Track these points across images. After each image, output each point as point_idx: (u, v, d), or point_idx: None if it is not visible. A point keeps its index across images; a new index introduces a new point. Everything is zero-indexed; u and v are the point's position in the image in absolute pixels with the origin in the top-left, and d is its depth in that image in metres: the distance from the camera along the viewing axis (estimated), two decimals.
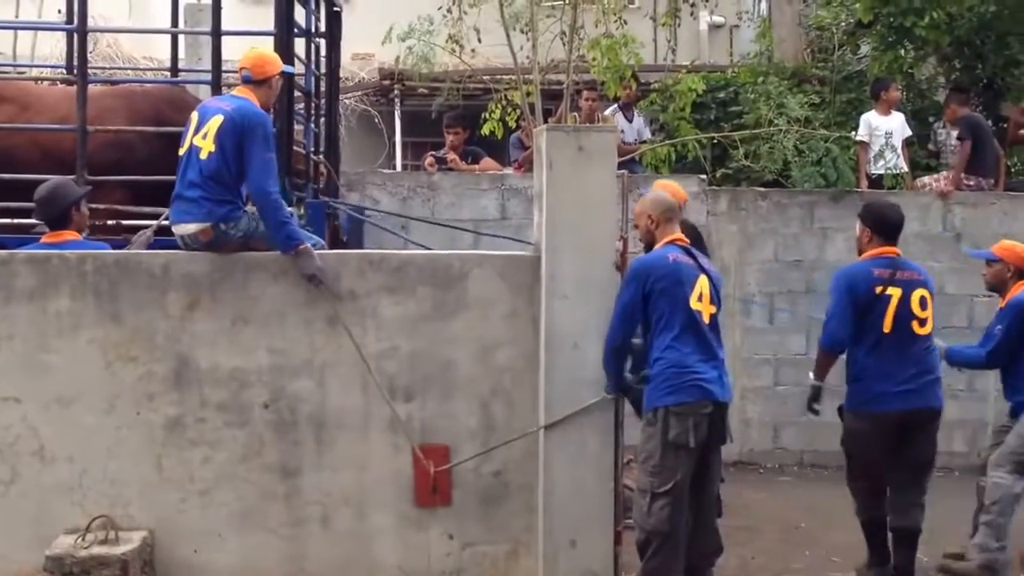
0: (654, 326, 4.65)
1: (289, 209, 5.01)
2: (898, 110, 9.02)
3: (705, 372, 4.61)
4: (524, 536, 4.96)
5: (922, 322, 5.26)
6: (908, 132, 8.93)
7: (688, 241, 4.88)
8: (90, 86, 6.06)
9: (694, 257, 4.76)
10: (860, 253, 5.46)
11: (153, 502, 4.86)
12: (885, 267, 5.28)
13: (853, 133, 8.93)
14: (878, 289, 5.21)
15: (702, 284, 4.68)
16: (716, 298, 4.76)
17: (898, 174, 8.77)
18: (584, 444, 4.82)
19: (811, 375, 5.46)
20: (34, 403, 4.82)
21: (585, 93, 9.19)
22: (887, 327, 5.20)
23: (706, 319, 4.68)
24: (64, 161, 5.77)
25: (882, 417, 5.20)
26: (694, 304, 4.64)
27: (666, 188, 6.19)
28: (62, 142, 5.89)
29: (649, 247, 4.86)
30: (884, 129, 8.79)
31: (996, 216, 8.47)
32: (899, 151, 8.79)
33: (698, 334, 4.64)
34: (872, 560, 5.47)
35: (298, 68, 5.95)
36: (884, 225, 5.39)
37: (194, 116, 4.94)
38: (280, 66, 5.07)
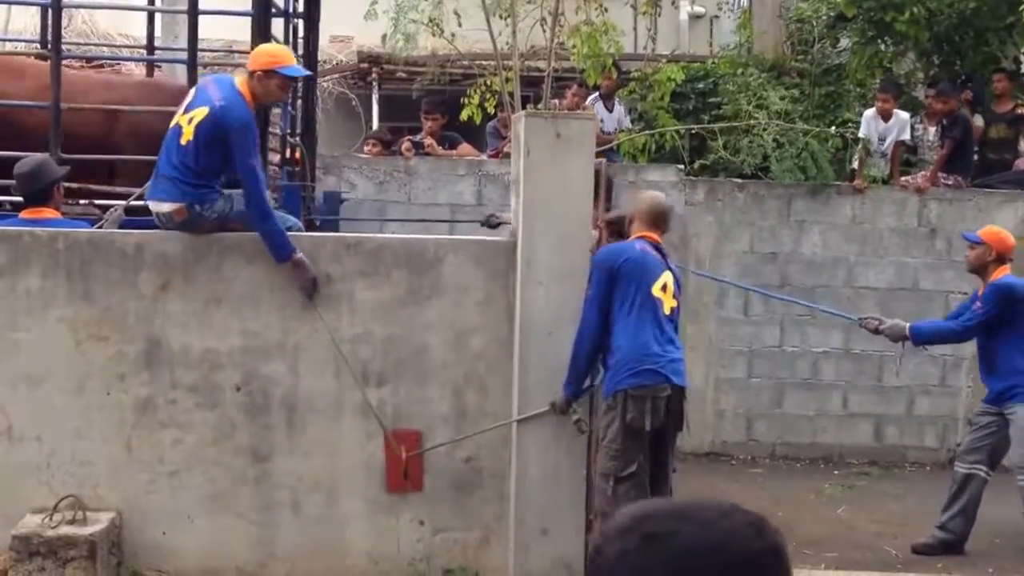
0: (616, 311, 4.66)
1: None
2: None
3: (663, 357, 4.66)
4: (495, 523, 4.95)
5: None
6: (905, 135, 8.87)
7: (659, 239, 4.89)
8: (108, 74, 5.87)
9: (663, 254, 4.82)
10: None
11: (122, 483, 4.81)
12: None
13: (834, 129, 8.93)
14: None
15: (666, 277, 4.76)
16: (678, 294, 4.83)
17: (879, 177, 8.80)
18: (557, 432, 4.81)
19: None
20: (2, 382, 4.75)
21: (574, 88, 9.13)
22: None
23: (666, 310, 4.73)
24: (79, 139, 5.57)
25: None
26: (656, 292, 4.69)
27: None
28: (77, 123, 5.70)
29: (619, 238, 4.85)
30: (876, 131, 8.81)
31: (971, 212, 8.51)
32: (887, 154, 8.80)
33: (658, 321, 4.69)
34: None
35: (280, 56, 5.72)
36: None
37: (190, 93, 4.87)
38: (267, 63, 4.81)
